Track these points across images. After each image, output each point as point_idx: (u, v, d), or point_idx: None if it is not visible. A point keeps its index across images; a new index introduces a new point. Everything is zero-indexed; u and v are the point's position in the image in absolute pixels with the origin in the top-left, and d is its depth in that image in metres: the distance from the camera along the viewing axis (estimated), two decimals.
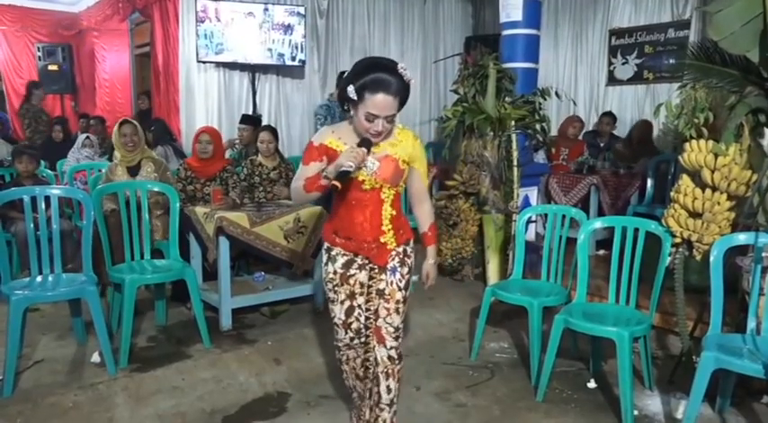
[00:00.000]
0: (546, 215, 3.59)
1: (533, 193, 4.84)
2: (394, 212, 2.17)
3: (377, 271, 2.20)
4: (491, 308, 3.22)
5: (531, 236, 4.46)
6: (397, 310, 2.20)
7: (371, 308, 2.21)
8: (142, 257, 3.57)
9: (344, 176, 1.94)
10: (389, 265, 2.19)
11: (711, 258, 2.52)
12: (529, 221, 3.59)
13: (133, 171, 4.02)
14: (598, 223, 3.10)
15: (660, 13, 6.09)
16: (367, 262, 2.20)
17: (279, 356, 3.31)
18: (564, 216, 3.25)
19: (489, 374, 3.12)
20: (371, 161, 2.06)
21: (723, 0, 2.71)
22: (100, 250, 3.47)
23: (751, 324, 2.51)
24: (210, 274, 3.85)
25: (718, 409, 2.68)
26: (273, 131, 4.57)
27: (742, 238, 2.59)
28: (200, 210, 3.75)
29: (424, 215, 2.30)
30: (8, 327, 2.86)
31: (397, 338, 2.22)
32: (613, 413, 2.70)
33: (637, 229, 2.87)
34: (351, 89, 1.95)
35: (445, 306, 4.15)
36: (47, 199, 3.23)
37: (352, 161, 1.93)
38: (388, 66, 1.97)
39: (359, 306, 2.22)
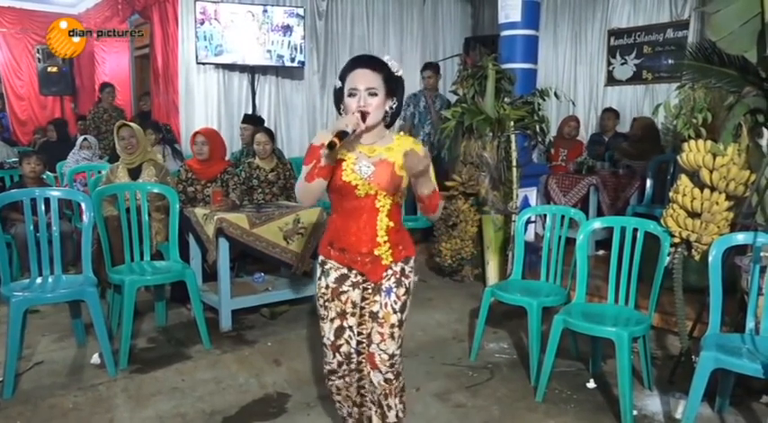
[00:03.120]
0: (545, 216, 3.59)
1: (533, 194, 4.84)
2: (391, 224, 2.03)
3: (370, 291, 2.06)
4: (491, 308, 3.23)
5: (530, 236, 4.47)
6: (392, 336, 2.04)
7: (364, 331, 2.08)
8: (142, 259, 3.58)
9: (343, 136, 1.83)
10: (384, 286, 2.05)
11: (710, 258, 2.53)
12: (528, 222, 3.60)
13: (134, 174, 4.02)
14: (597, 223, 3.10)
15: (659, 14, 6.11)
16: (361, 279, 2.07)
17: (279, 357, 3.31)
18: (563, 216, 3.25)
19: (489, 375, 3.13)
20: (366, 165, 1.97)
21: (721, 0, 2.72)
22: (100, 252, 3.48)
23: (750, 324, 2.51)
24: (210, 275, 3.85)
25: (718, 408, 2.68)
26: (269, 132, 4.58)
27: (740, 237, 2.59)
28: (199, 211, 3.76)
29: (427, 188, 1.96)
30: (8, 328, 2.87)
31: (392, 366, 2.05)
32: (613, 413, 2.70)
33: (636, 230, 2.88)
34: (337, 81, 2.00)
35: (445, 307, 4.16)
36: (47, 201, 3.23)
37: (347, 122, 1.86)
38: (371, 56, 2.03)
39: (350, 328, 2.08)
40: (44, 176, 4.70)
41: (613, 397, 2.82)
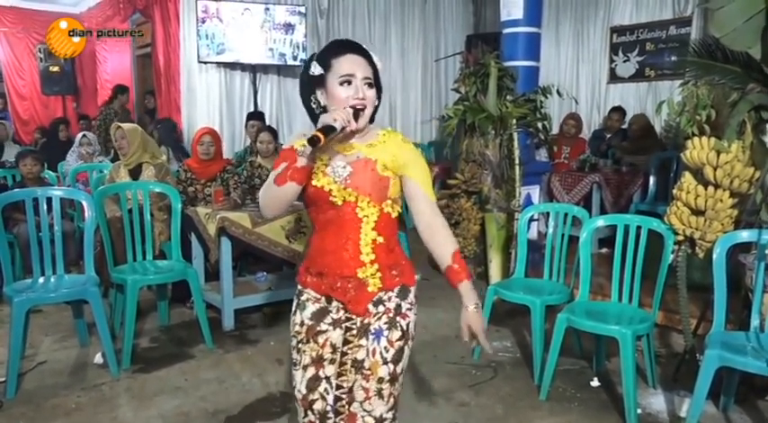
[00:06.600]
0: (548, 213, 3.58)
1: (535, 192, 4.83)
2: (380, 239, 1.60)
3: (355, 332, 1.62)
4: (494, 307, 3.22)
5: (533, 234, 4.45)
6: (379, 393, 1.58)
7: (344, 384, 1.62)
8: (144, 258, 3.58)
9: (329, 132, 1.45)
10: (373, 327, 1.60)
11: (714, 256, 2.52)
12: (531, 220, 3.58)
13: (134, 174, 4.02)
14: (600, 221, 3.09)
15: (661, 10, 6.09)
16: (344, 316, 1.63)
17: (281, 356, 3.31)
18: (566, 214, 3.24)
19: (492, 373, 3.12)
20: (341, 166, 1.57)
21: None
22: (102, 251, 3.48)
23: (754, 321, 2.50)
24: (212, 274, 3.85)
25: (722, 406, 2.67)
26: (273, 131, 4.58)
27: (745, 235, 2.58)
28: (201, 210, 3.75)
29: (440, 239, 1.62)
30: (11, 328, 2.87)
31: None
32: (617, 411, 2.69)
33: (639, 227, 2.86)
34: (315, 65, 1.57)
35: (447, 305, 4.14)
36: (49, 200, 3.23)
37: (336, 116, 1.47)
38: (358, 43, 1.64)
39: (326, 379, 1.63)
40: (45, 176, 4.70)
41: (617, 395, 2.81)
